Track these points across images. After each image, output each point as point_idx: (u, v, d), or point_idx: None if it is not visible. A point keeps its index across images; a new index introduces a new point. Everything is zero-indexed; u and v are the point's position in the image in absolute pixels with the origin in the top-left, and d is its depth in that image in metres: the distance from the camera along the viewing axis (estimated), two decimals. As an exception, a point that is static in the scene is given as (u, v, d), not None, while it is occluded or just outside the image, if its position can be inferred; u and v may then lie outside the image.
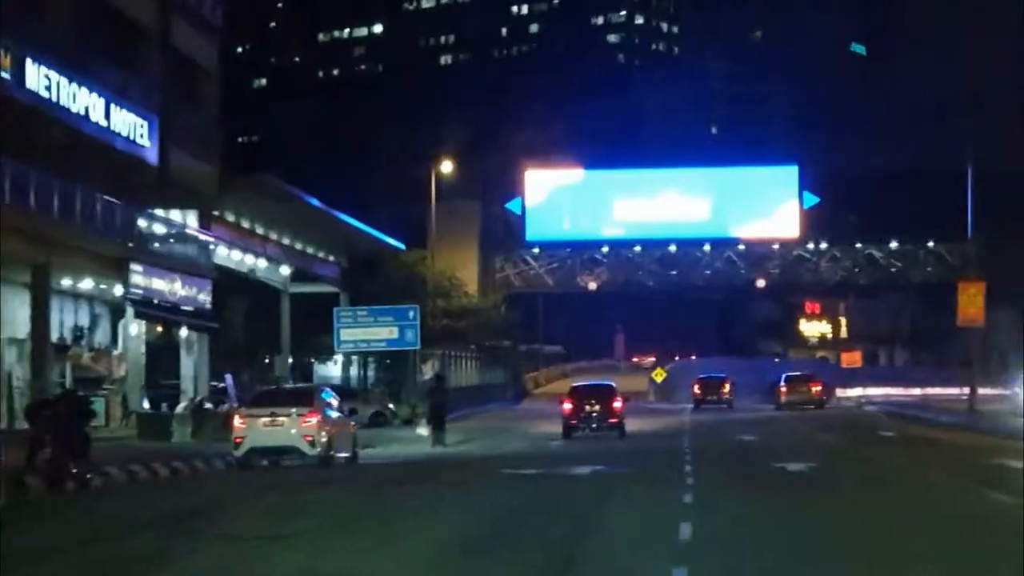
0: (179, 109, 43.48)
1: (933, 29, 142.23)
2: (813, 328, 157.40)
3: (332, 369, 73.68)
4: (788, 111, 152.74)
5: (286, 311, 65.41)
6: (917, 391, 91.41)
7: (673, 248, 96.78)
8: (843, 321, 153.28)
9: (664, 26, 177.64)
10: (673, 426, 55.30)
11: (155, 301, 43.18)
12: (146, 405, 44.48)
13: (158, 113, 41.58)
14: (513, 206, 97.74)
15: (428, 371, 70.38)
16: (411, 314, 56.55)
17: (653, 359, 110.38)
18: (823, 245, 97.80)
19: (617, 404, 43.87)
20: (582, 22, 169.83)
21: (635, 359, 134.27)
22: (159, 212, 45.31)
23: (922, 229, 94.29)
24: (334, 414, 33.62)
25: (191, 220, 46.68)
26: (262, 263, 56.54)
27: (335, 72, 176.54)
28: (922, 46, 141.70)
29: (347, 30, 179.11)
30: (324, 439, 32.15)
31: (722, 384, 71.65)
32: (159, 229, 44.11)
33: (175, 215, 45.82)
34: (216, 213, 49.68)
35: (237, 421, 32.71)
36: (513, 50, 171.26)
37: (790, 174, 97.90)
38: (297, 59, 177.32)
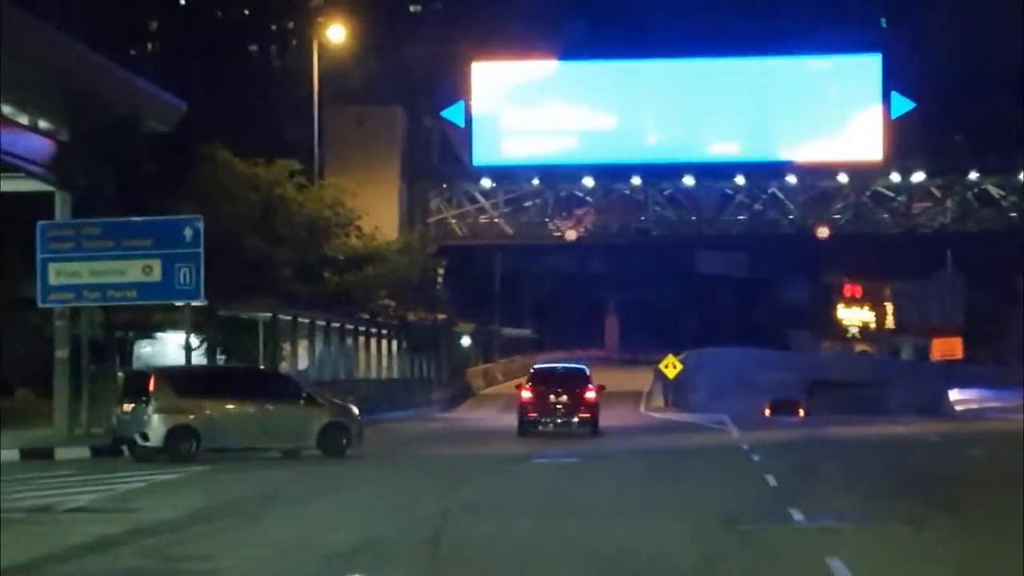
0: None
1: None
2: (853, 315, 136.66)
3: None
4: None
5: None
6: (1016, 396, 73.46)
7: (690, 180, 69.36)
8: (889, 308, 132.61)
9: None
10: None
11: None
12: None
13: None
14: (453, 115, 70.15)
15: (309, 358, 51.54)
16: (188, 233, 33.37)
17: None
18: (916, 176, 69.17)
19: (590, 394, 39.48)
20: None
21: None
22: None
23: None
24: None
25: None
26: None
27: (290, 25, 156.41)
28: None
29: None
30: None
31: (796, 407, 66.11)
32: None
33: None
34: None
35: None
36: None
37: (870, 67, 69.52)
38: (247, 12, 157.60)
